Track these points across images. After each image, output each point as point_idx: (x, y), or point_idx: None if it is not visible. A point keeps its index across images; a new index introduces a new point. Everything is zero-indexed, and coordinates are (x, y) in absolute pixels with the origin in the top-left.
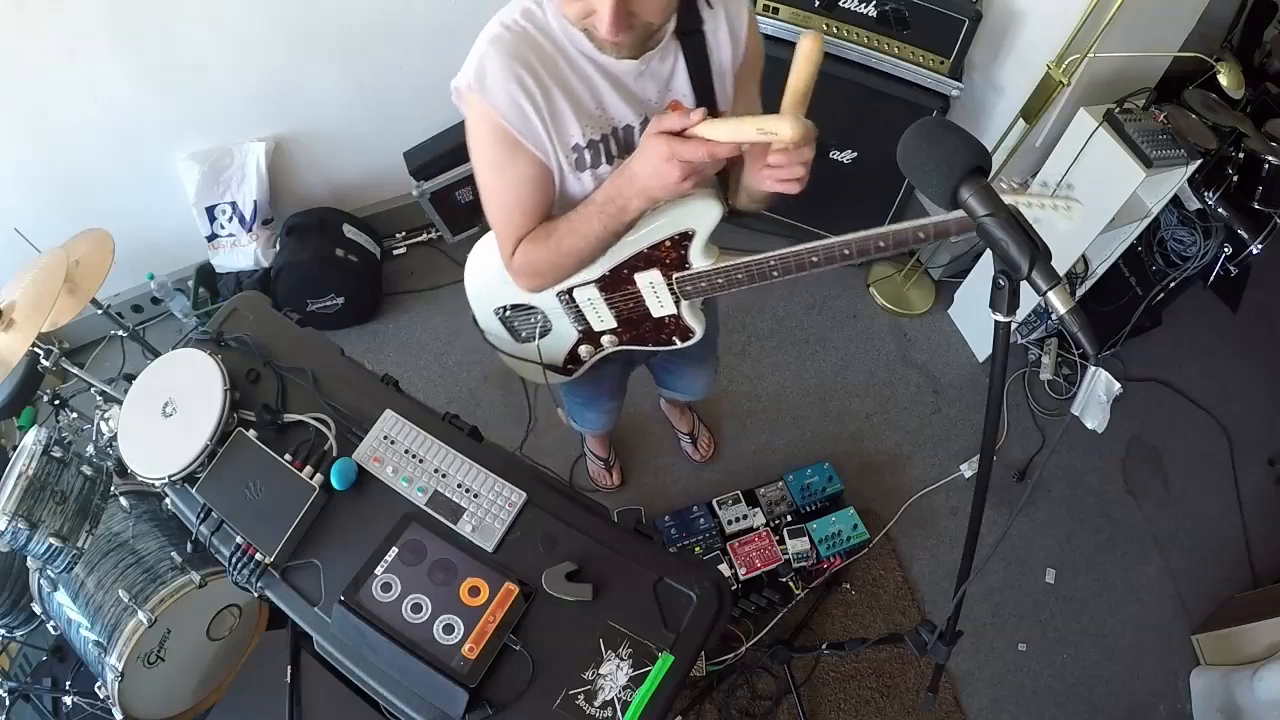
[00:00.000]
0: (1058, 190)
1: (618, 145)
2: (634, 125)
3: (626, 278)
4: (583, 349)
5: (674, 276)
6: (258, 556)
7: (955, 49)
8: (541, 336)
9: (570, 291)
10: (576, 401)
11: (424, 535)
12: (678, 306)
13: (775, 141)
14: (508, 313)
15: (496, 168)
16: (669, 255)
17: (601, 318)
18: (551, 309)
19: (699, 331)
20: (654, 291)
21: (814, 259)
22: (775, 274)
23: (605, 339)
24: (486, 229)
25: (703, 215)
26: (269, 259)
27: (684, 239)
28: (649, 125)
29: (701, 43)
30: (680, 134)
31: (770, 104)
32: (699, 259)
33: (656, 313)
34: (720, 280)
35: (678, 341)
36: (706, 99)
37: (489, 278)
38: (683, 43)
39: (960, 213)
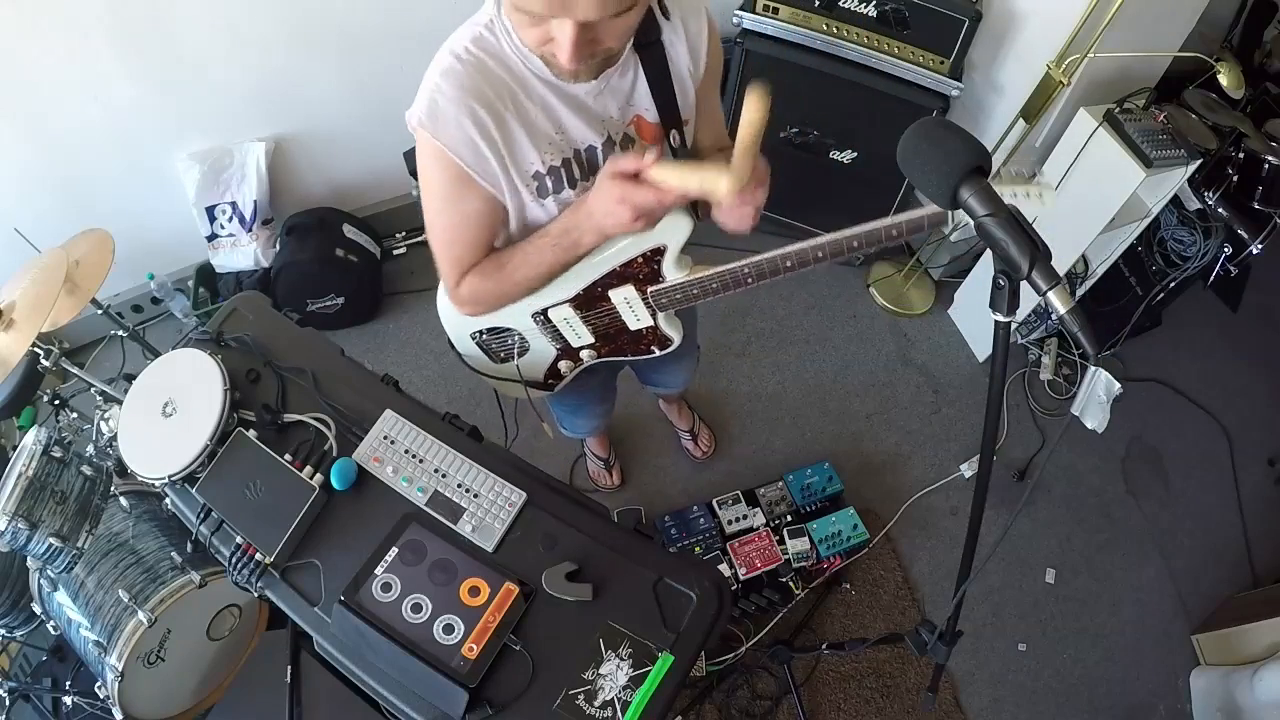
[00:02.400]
0: (1032, 176)
1: (580, 168)
2: (596, 146)
3: (601, 295)
4: (562, 364)
5: (648, 290)
6: (258, 556)
7: (955, 49)
8: (520, 356)
9: (545, 312)
10: (565, 410)
11: (424, 535)
12: (654, 318)
13: (712, 197)
14: (484, 336)
15: (446, 201)
16: (642, 270)
17: (579, 335)
18: (528, 329)
19: (676, 340)
20: (629, 306)
21: (788, 264)
22: (750, 280)
23: (584, 353)
24: None
25: (673, 231)
26: (269, 259)
27: (656, 254)
28: (605, 165)
29: (660, 53)
30: (635, 176)
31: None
32: (672, 272)
33: (633, 326)
34: (695, 291)
35: (656, 350)
36: (669, 109)
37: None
38: (641, 55)
39: (932, 208)
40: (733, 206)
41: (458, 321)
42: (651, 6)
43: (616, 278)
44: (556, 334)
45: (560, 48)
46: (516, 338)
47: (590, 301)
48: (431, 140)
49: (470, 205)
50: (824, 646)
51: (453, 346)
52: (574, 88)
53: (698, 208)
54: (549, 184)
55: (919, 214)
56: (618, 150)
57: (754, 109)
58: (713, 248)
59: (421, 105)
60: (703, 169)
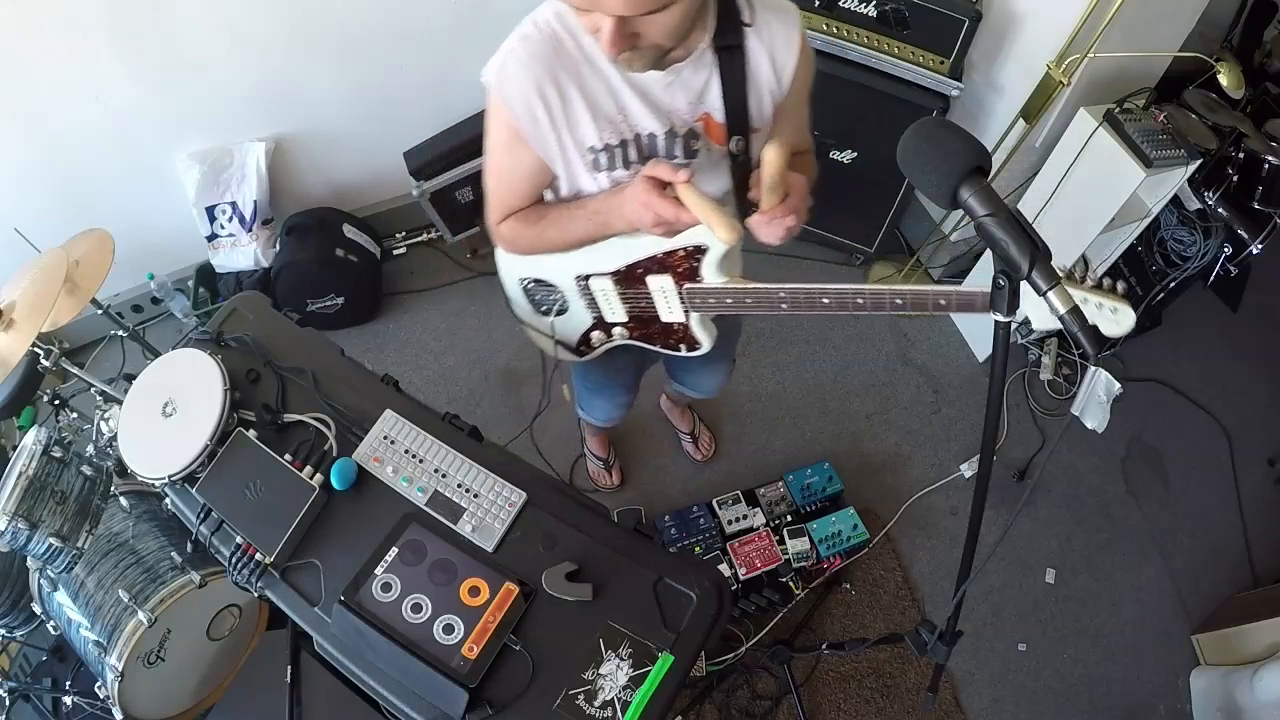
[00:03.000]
0: (1114, 288)
1: (638, 151)
2: (657, 134)
3: (640, 277)
4: (595, 335)
5: (684, 286)
6: (258, 556)
7: (955, 49)
8: (559, 314)
9: (587, 279)
10: (589, 388)
11: (424, 535)
12: (687, 317)
13: (715, 217)
14: (530, 285)
15: (502, 150)
16: (682, 265)
17: (613, 310)
18: (569, 290)
19: (706, 345)
20: (664, 297)
21: (825, 300)
22: (784, 306)
23: (616, 330)
24: (486, 228)
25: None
26: (269, 259)
27: (697, 252)
28: (648, 164)
29: (741, 59)
30: (665, 186)
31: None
32: (711, 275)
33: (665, 318)
34: (729, 300)
35: (684, 350)
36: (737, 116)
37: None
38: (719, 57)
39: (986, 289)
40: (766, 223)
41: (510, 263)
42: (736, 10)
43: (656, 264)
44: (594, 303)
45: (602, 36)
46: (559, 295)
47: (629, 281)
48: (496, 97)
49: (520, 159)
50: (824, 646)
51: (502, 288)
52: (643, 76)
53: (745, 219)
54: (604, 160)
55: (970, 291)
56: (680, 143)
57: (771, 158)
58: (758, 253)
59: (495, 63)
60: (717, 212)
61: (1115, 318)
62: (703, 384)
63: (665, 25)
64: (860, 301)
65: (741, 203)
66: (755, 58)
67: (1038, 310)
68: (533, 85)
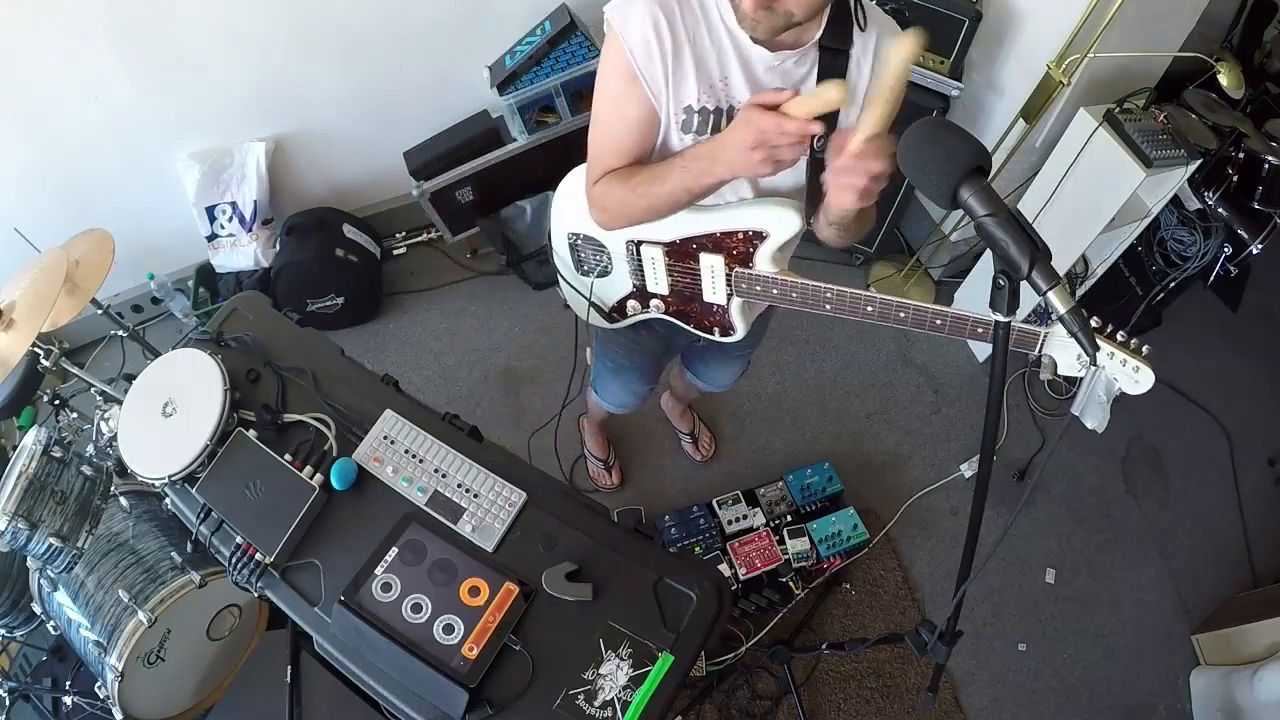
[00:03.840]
0: (1140, 349)
1: (729, 121)
2: None
3: (693, 253)
4: (631, 303)
5: (735, 269)
6: (258, 556)
7: (955, 49)
8: (600, 276)
9: (639, 244)
10: (607, 367)
11: (424, 535)
12: (729, 300)
13: (824, 105)
14: (579, 241)
15: (613, 101)
16: (738, 248)
17: (658, 280)
18: (618, 253)
19: (740, 331)
20: (712, 276)
21: (869, 308)
22: (828, 307)
23: (654, 302)
24: (485, 228)
25: (780, 222)
26: (269, 259)
27: (757, 237)
28: (747, 102)
29: (843, 63)
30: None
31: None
32: (764, 263)
33: (708, 297)
34: (775, 291)
35: (717, 334)
36: (828, 118)
37: (574, 203)
38: (823, 55)
39: (1023, 323)
40: (846, 167)
41: (564, 215)
42: (849, 16)
43: (713, 243)
44: (639, 270)
45: None
46: (605, 256)
47: (681, 255)
48: (617, 31)
49: (631, 110)
50: (824, 646)
51: (549, 236)
52: (751, 51)
53: (811, 215)
54: (695, 122)
55: (1005, 319)
56: None
57: (903, 52)
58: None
59: (618, 1)
60: (821, 94)
61: (1136, 376)
62: (717, 378)
63: None
64: (902, 315)
65: (811, 199)
66: (857, 66)
67: (1064, 356)
68: (652, 25)
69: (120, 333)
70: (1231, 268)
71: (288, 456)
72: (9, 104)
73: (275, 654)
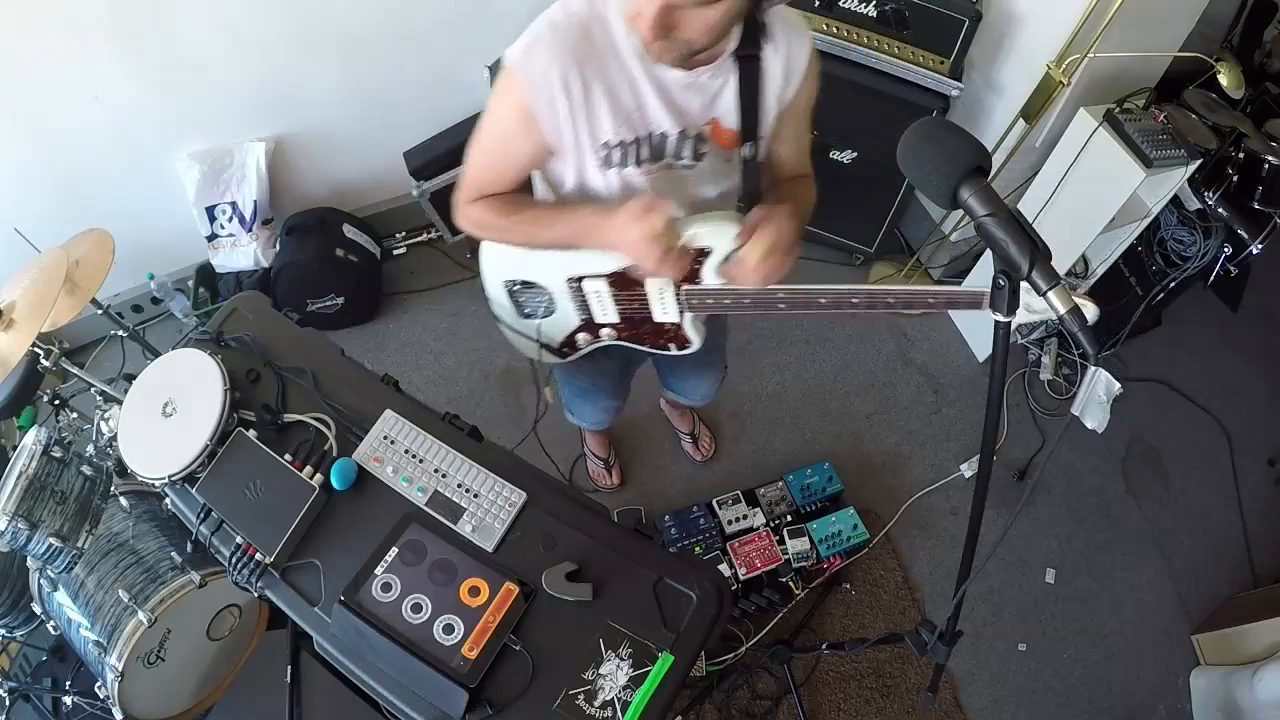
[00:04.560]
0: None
1: (650, 150)
2: (669, 134)
3: (638, 279)
4: (581, 336)
5: (683, 287)
6: (258, 556)
7: (955, 49)
8: (545, 316)
9: (580, 280)
10: (574, 392)
11: (424, 535)
12: (680, 316)
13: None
14: (517, 287)
15: (504, 136)
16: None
17: (605, 311)
18: (559, 292)
19: (696, 343)
20: (661, 297)
21: (822, 300)
22: (781, 306)
23: (604, 331)
24: None
25: (720, 235)
26: (269, 259)
27: (701, 254)
28: (649, 198)
29: (757, 69)
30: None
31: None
32: (711, 277)
33: (659, 317)
34: (727, 301)
35: (674, 349)
36: (749, 124)
37: (505, 251)
38: (740, 65)
39: (973, 288)
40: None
41: (496, 265)
42: (760, 21)
43: None
44: (584, 305)
45: (643, 19)
46: (547, 297)
47: (626, 283)
48: (516, 78)
49: (522, 145)
50: (824, 646)
51: (483, 289)
52: (664, 74)
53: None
54: (615, 156)
55: (958, 290)
56: (689, 144)
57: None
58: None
59: (520, 44)
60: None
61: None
62: (694, 390)
63: (706, 22)
64: (855, 301)
65: (748, 206)
66: (770, 68)
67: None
68: (558, 73)
69: (120, 333)
70: (1231, 268)
71: (288, 456)
72: (9, 104)
73: (275, 654)
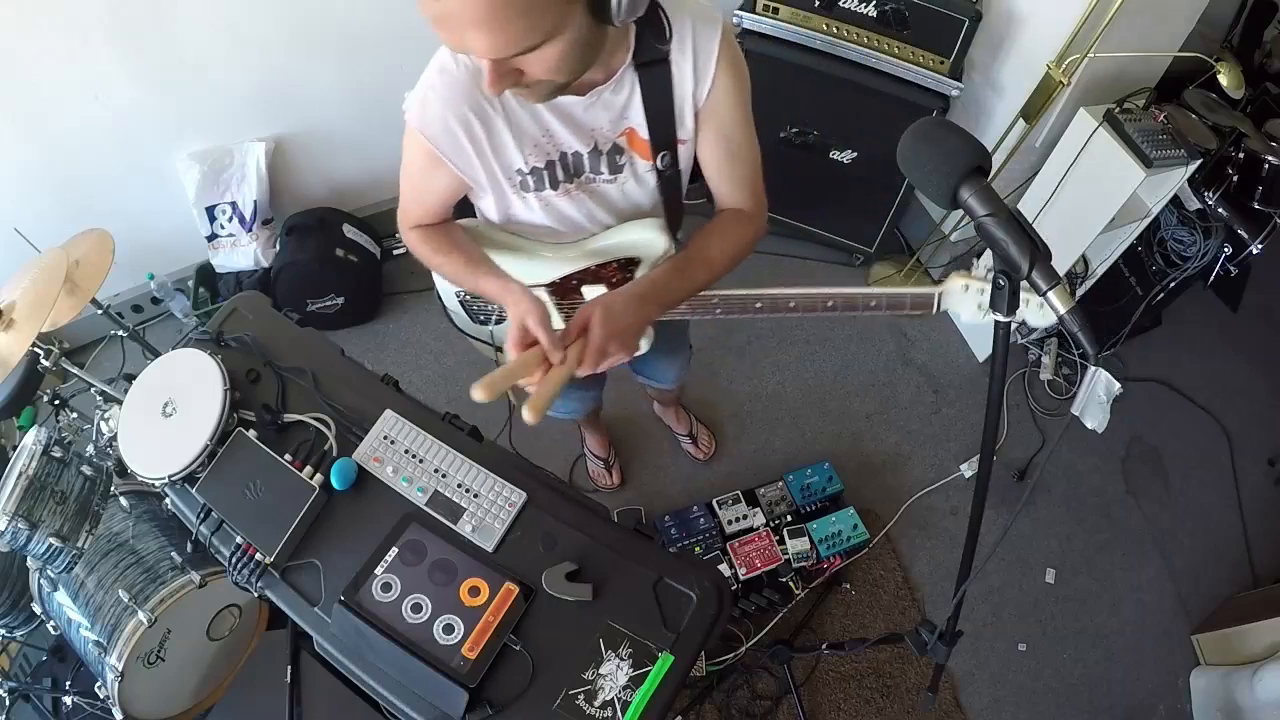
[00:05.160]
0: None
1: (565, 170)
2: (582, 152)
3: (575, 288)
4: None
5: None
6: (258, 556)
7: (955, 49)
8: (497, 323)
9: None
10: None
11: (424, 535)
12: None
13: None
14: (466, 296)
15: (418, 172)
16: (615, 276)
17: (551, 318)
18: None
19: (643, 347)
20: None
21: (757, 305)
22: (719, 310)
23: None
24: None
25: (647, 244)
26: (269, 259)
27: (630, 264)
28: (531, 315)
29: (665, 73)
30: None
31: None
32: None
33: None
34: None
35: None
36: (661, 130)
37: None
38: (640, 74)
39: (917, 289)
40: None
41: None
42: (660, 25)
43: (591, 276)
44: None
45: (486, 79)
46: (496, 305)
47: (566, 291)
48: (417, 131)
49: (436, 182)
50: (824, 646)
51: (439, 298)
52: (561, 100)
53: (675, 230)
54: (531, 182)
55: (899, 292)
56: (604, 159)
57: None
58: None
59: (416, 96)
60: (547, 384)
61: (1043, 307)
62: (661, 374)
63: (548, 61)
64: (793, 305)
65: (671, 216)
66: (678, 69)
67: (966, 308)
68: (456, 119)
69: (120, 333)
70: (1231, 268)
71: (288, 456)
72: (9, 104)
73: (275, 654)
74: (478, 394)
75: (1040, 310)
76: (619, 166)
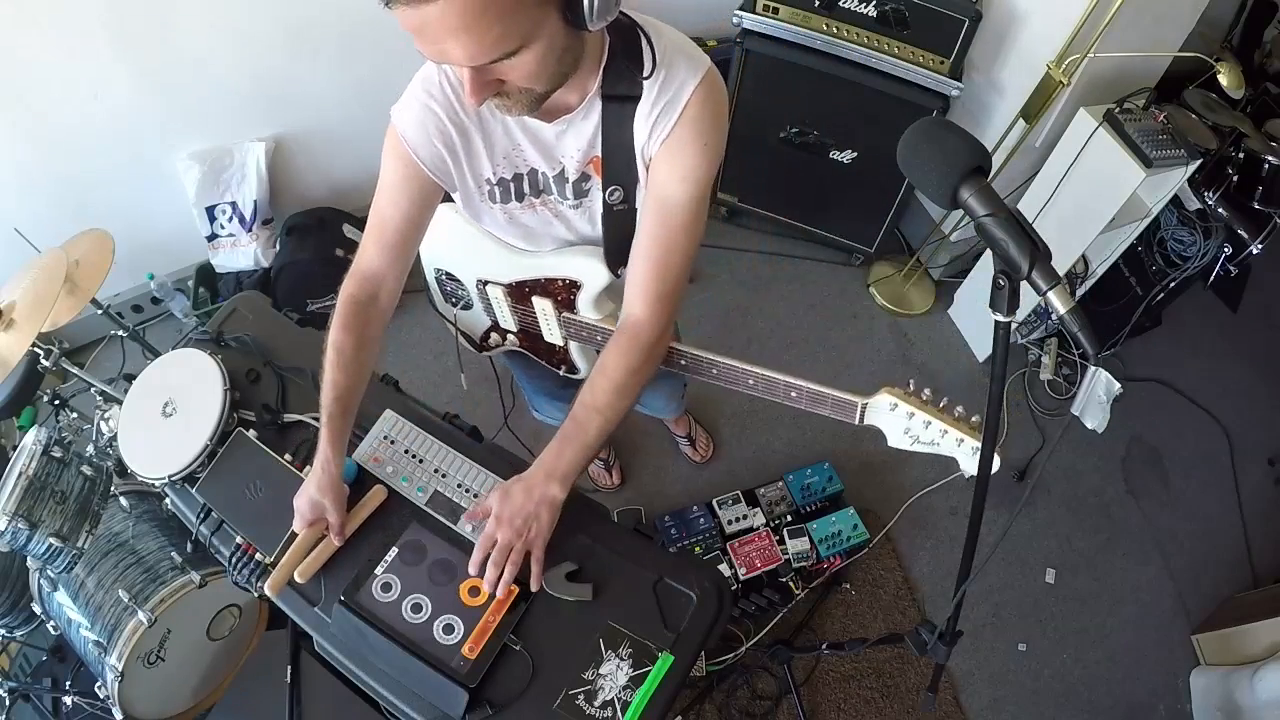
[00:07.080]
0: (959, 414)
1: (531, 185)
2: (548, 173)
3: (526, 295)
4: (493, 336)
5: (562, 314)
6: (258, 556)
7: (955, 49)
8: (463, 309)
9: (485, 284)
10: (530, 387)
11: (424, 535)
12: (565, 341)
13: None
14: (443, 276)
15: (392, 188)
16: (561, 294)
17: (505, 318)
18: (472, 290)
19: (583, 370)
20: (546, 319)
21: (681, 362)
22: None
23: (509, 337)
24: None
25: (589, 272)
26: (269, 259)
27: (573, 285)
28: (326, 497)
29: (626, 111)
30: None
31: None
32: (587, 309)
33: (547, 338)
34: (599, 338)
35: (564, 371)
36: (620, 165)
37: (435, 239)
38: (605, 105)
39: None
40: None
41: (429, 250)
42: (638, 57)
43: (540, 288)
44: (490, 308)
45: (466, 90)
46: (465, 291)
47: (519, 296)
48: (399, 134)
49: (407, 198)
50: (824, 646)
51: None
52: (536, 123)
53: (617, 268)
54: (498, 193)
55: (825, 392)
56: (569, 186)
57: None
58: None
59: (400, 104)
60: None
61: (974, 457)
62: (661, 407)
63: (526, 68)
64: (716, 372)
65: (614, 251)
66: (644, 106)
67: (891, 427)
68: (434, 126)
69: (120, 333)
70: (1231, 268)
71: (288, 456)
72: (9, 104)
73: (275, 654)
74: (270, 591)
75: (969, 457)
76: (584, 192)
